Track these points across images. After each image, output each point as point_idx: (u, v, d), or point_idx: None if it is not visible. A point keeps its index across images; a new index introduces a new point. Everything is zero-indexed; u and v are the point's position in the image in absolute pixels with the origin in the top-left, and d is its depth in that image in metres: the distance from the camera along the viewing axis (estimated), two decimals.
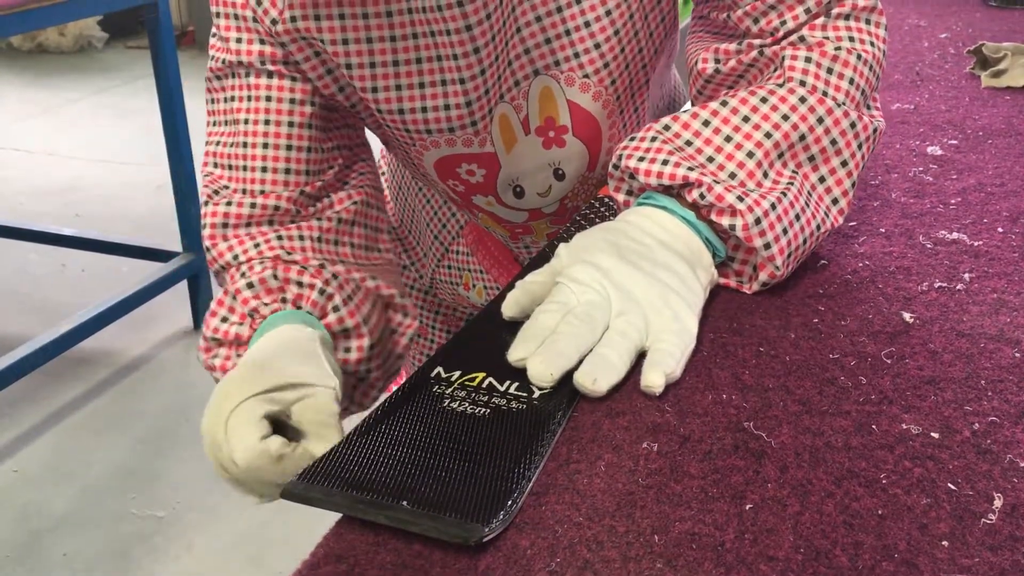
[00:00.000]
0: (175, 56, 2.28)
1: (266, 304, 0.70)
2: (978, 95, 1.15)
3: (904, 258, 0.70)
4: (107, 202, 3.37)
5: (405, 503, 0.44)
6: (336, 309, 0.72)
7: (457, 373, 0.56)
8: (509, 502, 0.45)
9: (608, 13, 0.76)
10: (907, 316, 0.62)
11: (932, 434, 0.50)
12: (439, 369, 0.56)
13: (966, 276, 0.67)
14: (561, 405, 0.52)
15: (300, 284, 0.72)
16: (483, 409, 0.52)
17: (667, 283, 0.60)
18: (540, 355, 0.55)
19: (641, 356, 0.57)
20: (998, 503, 0.45)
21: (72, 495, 1.90)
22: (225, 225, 0.76)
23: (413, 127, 0.78)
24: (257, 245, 0.75)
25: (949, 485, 0.46)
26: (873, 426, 0.51)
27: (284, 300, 0.71)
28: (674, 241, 0.63)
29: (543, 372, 0.54)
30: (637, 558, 0.42)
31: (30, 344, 2.02)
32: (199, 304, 2.51)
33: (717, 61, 0.75)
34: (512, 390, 0.54)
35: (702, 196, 0.64)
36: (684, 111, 0.70)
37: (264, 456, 0.55)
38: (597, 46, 0.77)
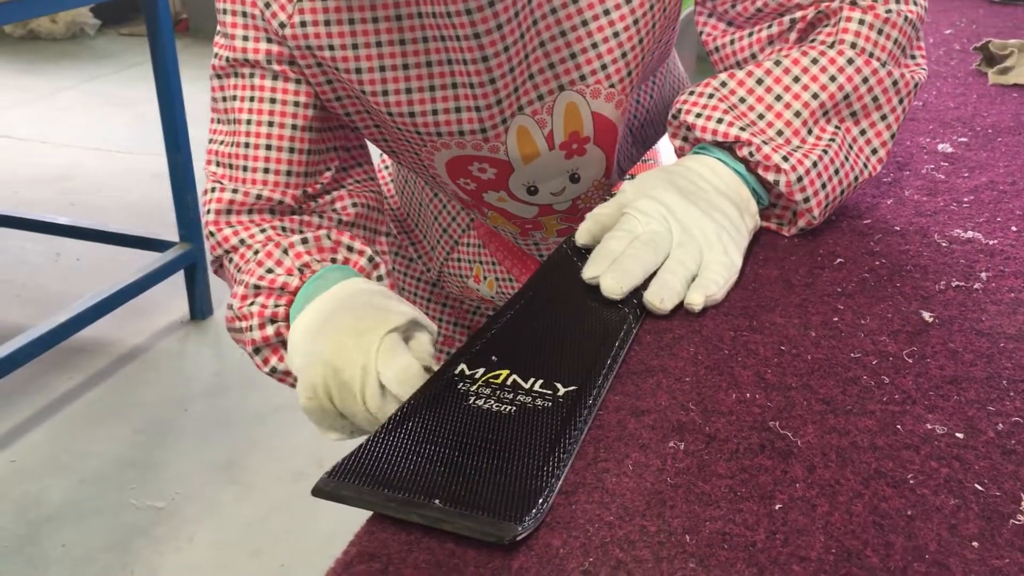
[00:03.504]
0: (173, 44, 2.27)
1: (318, 261, 0.75)
2: (986, 92, 1.15)
3: (920, 256, 0.70)
4: (102, 191, 3.35)
5: (437, 501, 0.44)
6: (380, 279, 0.77)
7: (481, 370, 0.56)
8: (540, 500, 0.45)
9: (636, 22, 0.75)
10: (926, 315, 0.62)
11: (957, 434, 0.50)
12: (463, 366, 0.56)
13: (983, 275, 0.68)
14: (587, 403, 0.52)
15: (351, 248, 0.77)
16: (508, 407, 0.52)
17: (719, 222, 0.67)
18: (611, 272, 0.62)
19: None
20: None
21: (70, 486, 1.89)
22: (229, 212, 0.77)
23: (424, 129, 0.77)
24: (264, 230, 0.76)
25: (976, 486, 0.47)
26: (898, 426, 0.51)
27: (334, 260, 0.76)
28: (726, 188, 0.70)
29: (614, 286, 0.61)
30: (669, 558, 0.42)
31: (26, 335, 2.01)
32: (196, 294, 2.50)
33: (771, 43, 0.77)
34: (536, 387, 0.54)
35: (751, 154, 0.70)
36: (741, 69, 0.74)
37: (419, 373, 0.63)
38: (624, 55, 0.76)
